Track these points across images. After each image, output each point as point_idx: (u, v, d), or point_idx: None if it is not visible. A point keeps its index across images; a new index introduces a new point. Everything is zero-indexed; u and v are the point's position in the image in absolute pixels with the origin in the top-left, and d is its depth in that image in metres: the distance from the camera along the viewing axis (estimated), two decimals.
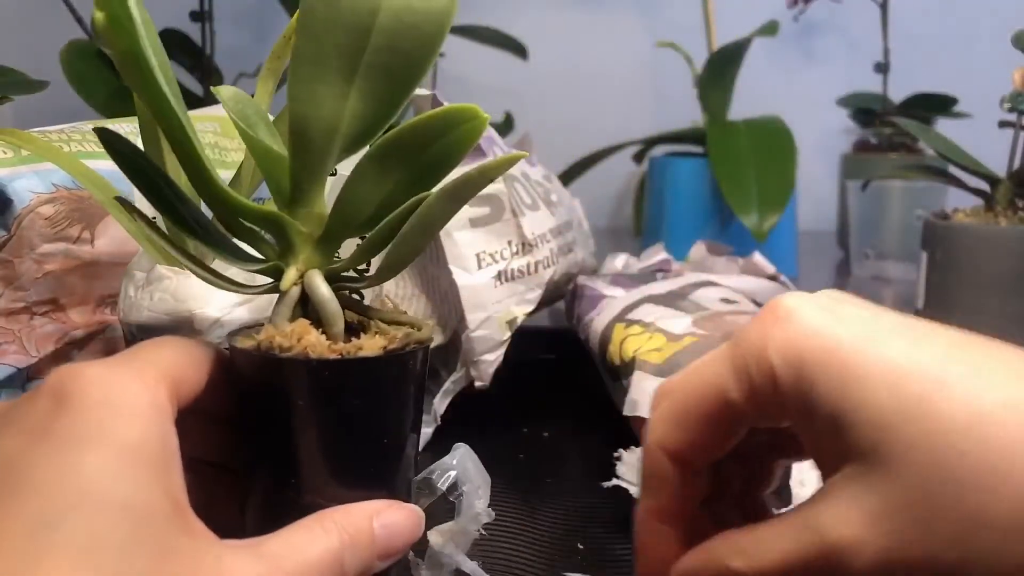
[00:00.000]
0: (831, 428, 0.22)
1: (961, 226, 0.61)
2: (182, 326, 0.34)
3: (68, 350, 0.41)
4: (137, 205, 0.36)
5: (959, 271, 0.62)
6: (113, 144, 0.27)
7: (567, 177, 0.99)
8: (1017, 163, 0.62)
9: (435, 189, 0.27)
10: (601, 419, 0.46)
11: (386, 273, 0.29)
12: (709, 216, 0.84)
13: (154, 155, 0.35)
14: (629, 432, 0.42)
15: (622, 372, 0.43)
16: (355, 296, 0.30)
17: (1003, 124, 0.64)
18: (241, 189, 0.36)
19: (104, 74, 0.69)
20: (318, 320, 0.28)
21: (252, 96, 0.30)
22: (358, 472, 0.28)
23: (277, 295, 0.28)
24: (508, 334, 0.47)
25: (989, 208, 0.63)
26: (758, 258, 0.60)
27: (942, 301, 0.64)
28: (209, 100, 0.80)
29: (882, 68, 0.99)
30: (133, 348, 0.25)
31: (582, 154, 1.00)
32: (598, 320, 0.49)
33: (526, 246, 0.48)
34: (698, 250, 0.63)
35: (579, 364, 0.53)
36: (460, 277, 0.45)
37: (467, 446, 0.33)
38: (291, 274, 0.28)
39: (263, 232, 0.28)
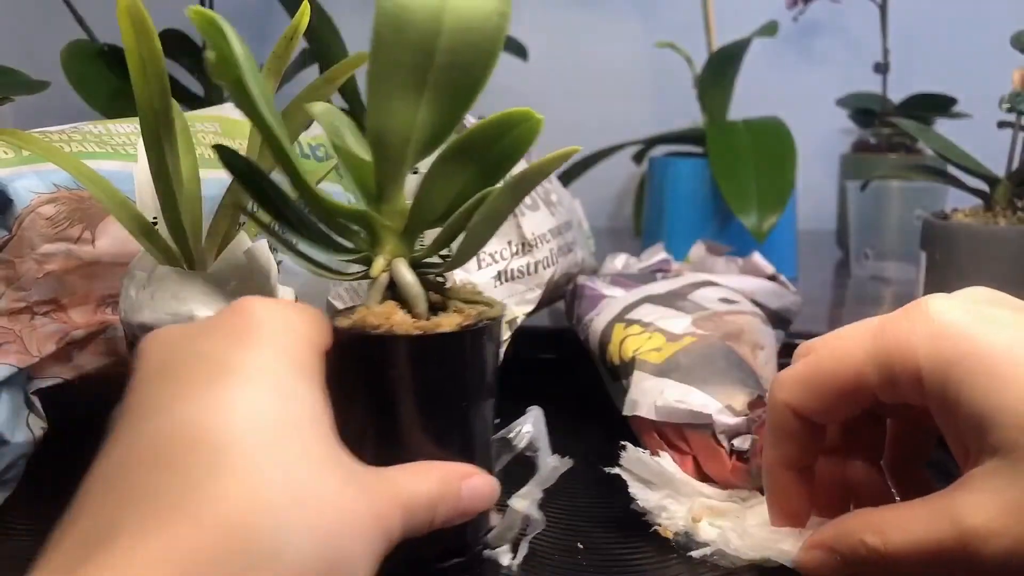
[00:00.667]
0: (975, 425, 0.24)
1: (960, 226, 0.61)
2: None
3: (69, 350, 0.41)
4: (137, 207, 0.37)
5: (958, 271, 0.62)
6: (228, 158, 0.31)
7: (567, 177, 0.99)
8: (1016, 163, 0.62)
9: (499, 184, 0.31)
10: (601, 419, 0.46)
11: (461, 259, 0.33)
12: (709, 216, 0.84)
13: (156, 154, 0.35)
14: (629, 432, 0.42)
15: (622, 372, 0.44)
16: (439, 279, 0.34)
17: (1002, 124, 0.65)
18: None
19: (104, 75, 0.69)
20: (404, 301, 0.32)
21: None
22: (441, 431, 0.32)
23: (368, 281, 0.33)
24: (508, 334, 0.47)
25: (988, 208, 0.63)
26: (757, 258, 0.60)
27: None
28: (211, 100, 0.80)
29: (881, 68, 0.99)
30: (286, 300, 0.30)
31: (582, 154, 1.00)
32: (598, 320, 0.49)
33: (526, 246, 0.48)
34: (698, 250, 0.63)
35: (579, 364, 0.53)
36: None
37: (539, 407, 0.36)
38: (379, 263, 0.33)
39: (354, 227, 0.33)
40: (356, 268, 0.34)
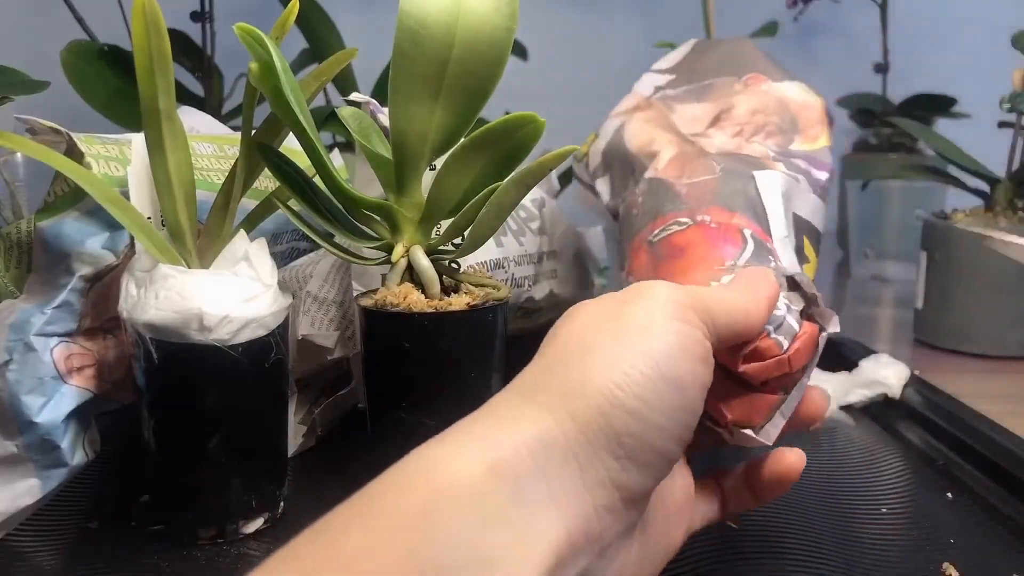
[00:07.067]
0: None
1: (960, 226, 0.61)
2: (191, 323, 0.34)
3: (133, 376, 0.40)
4: (134, 204, 0.37)
5: (958, 271, 0.62)
6: (268, 155, 0.36)
7: (567, 177, 0.99)
8: (1016, 163, 0.62)
9: (506, 180, 0.33)
10: None
11: (471, 246, 0.36)
12: None
13: (158, 152, 0.36)
14: None
15: None
16: (453, 264, 0.38)
17: (1002, 124, 0.65)
18: (235, 192, 0.37)
19: (105, 75, 0.69)
20: (420, 283, 0.36)
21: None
22: (451, 397, 0.35)
23: (389, 265, 0.37)
24: None
25: (988, 208, 0.63)
26: None
27: (941, 301, 0.64)
28: (210, 100, 0.80)
29: (882, 68, 1.00)
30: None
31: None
32: None
33: None
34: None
35: None
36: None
37: None
38: (399, 249, 0.37)
39: (377, 217, 0.37)
40: (378, 254, 0.38)
